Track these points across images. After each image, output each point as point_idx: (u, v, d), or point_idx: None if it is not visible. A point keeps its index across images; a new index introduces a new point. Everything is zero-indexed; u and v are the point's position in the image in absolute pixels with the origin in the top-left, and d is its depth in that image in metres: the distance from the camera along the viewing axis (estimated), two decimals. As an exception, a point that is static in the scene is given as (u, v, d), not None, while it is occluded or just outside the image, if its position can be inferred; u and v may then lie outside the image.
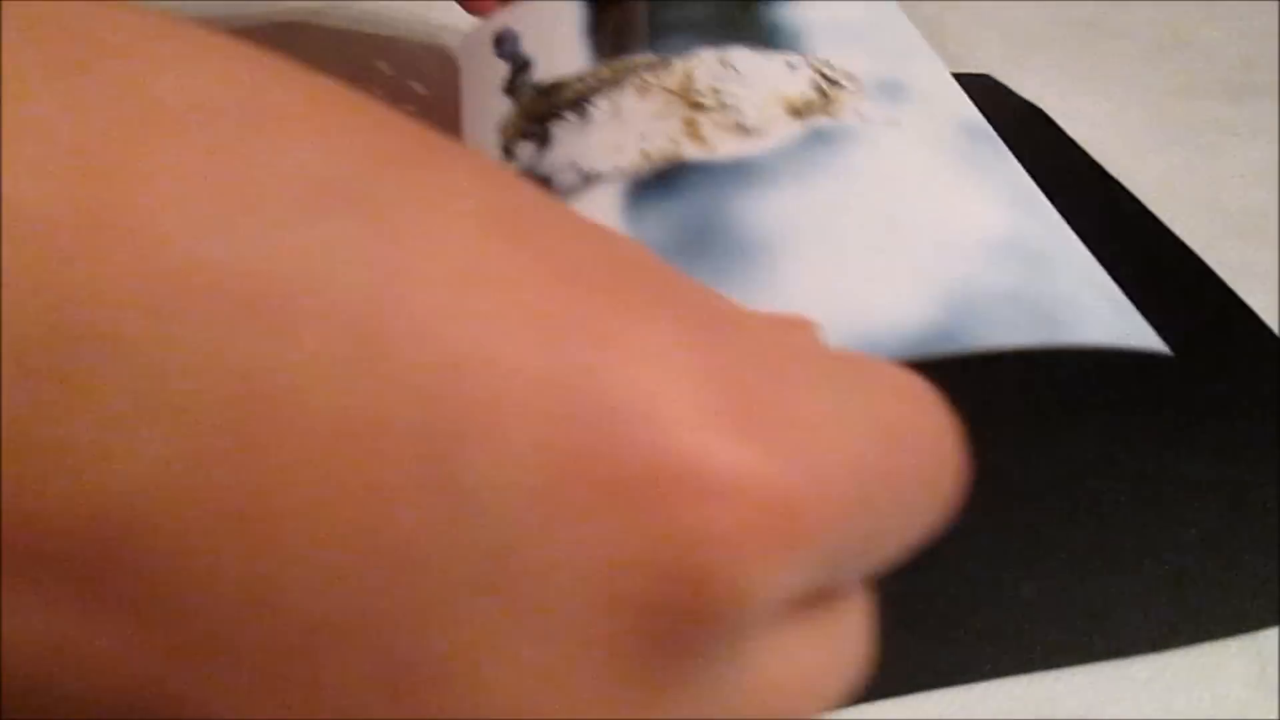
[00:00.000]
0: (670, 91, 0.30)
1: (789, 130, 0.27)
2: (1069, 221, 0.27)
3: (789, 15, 0.33)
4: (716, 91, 0.29)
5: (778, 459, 0.10)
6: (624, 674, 0.10)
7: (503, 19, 0.37)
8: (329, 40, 0.48)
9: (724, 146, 0.27)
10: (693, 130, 0.28)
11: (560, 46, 0.34)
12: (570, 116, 0.31)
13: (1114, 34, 0.52)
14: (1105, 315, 0.23)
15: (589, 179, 0.28)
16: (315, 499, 0.09)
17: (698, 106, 0.29)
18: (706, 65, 0.30)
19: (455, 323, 0.10)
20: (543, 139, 0.30)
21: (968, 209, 0.25)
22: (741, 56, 0.31)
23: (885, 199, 0.25)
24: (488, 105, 0.33)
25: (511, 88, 0.34)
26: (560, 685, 0.10)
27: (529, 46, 0.35)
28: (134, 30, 0.11)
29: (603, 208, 0.27)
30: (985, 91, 0.42)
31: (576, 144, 0.29)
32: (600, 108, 0.30)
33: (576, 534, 0.10)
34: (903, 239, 0.24)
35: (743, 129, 0.28)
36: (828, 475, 0.11)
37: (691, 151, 0.27)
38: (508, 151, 0.31)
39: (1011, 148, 0.33)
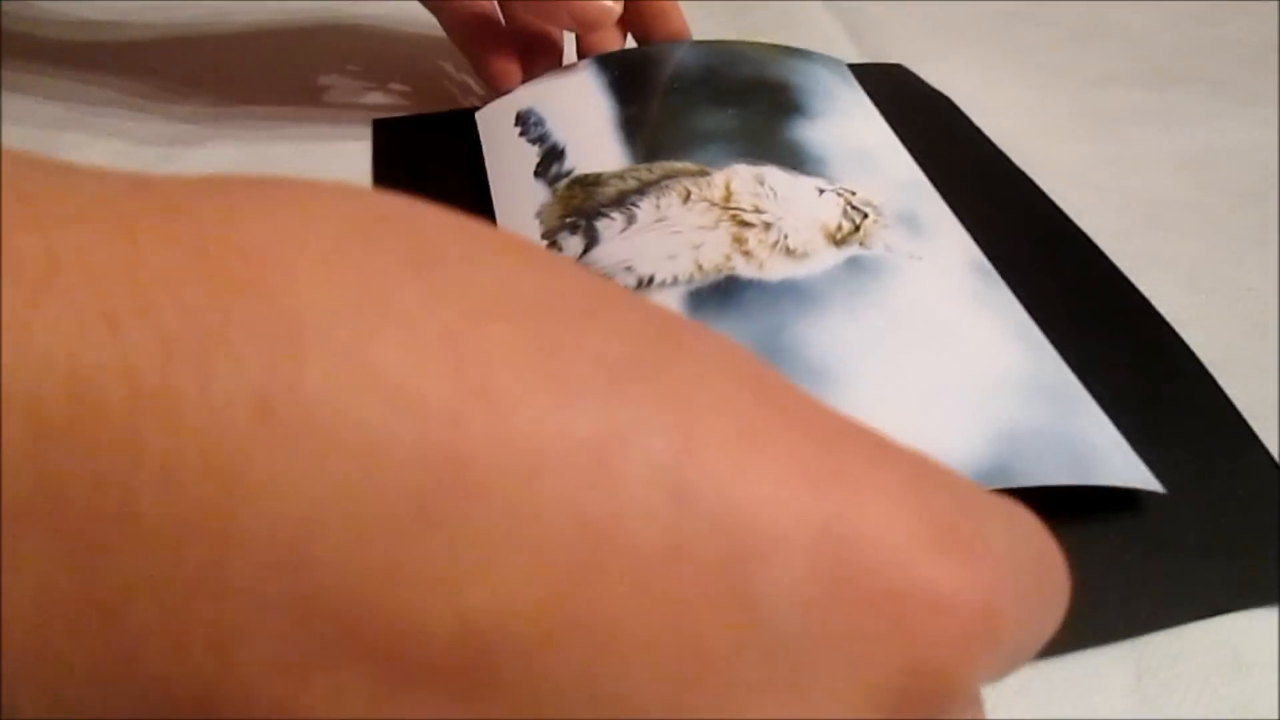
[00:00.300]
0: (713, 203, 0.32)
1: (830, 257, 0.30)
2: (970, 209, 0.32)
3: (810, 136, 0.35)
4: (759, 210, 0.32)
5: (981, 577, 0.13)
6: None
7: (524, 98, 0.38)
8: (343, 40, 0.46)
9: (774, 266, 0.30)
10: (742, 246, 0.30)
11: (595, 139, 0.35)
12: (615, 215, 0.32)
13: (1036, 22, 0.51)
14: (1115, 457, 0.26)
15: (645, 283, 0.30)
16: (641, 610, 0.12)
17: (744, 223, 0.31)
18: (744, 180, 0.33)
19: (743, 476, 0.13)
20: (590, 234, 0.32)
21: (992, 345, 0.28)
22: (776, 177, 0.33)
23: (925, 330, 0.28)
24: (519, 187, 0.35)
25: (543, 172, 0.35)
26: None
27: (558, 132, 0.36)
28: (459, 232, 0.13)
29: (661, 313, 0.29)
30: (896, 81, 0.44)
31: (627, 245, 0.31)
32: (644, 209, 0.32)
33: (843, 636, 0.13)
34: (947, 372, 0.27)
35: (789, 251, 0.30)
36: (1013, 589, 0.14)
37: (743, 267, 0.30)
38: (551, 241, 0.32)
39: (919, 139, 0.37)
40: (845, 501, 0.13)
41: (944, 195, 0.35)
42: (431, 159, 0.40)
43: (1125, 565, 0.25)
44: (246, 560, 0.11)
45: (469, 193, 0.37)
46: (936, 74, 0.45)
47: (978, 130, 0.41)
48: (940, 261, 0.31)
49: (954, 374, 0.27)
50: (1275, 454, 0.28)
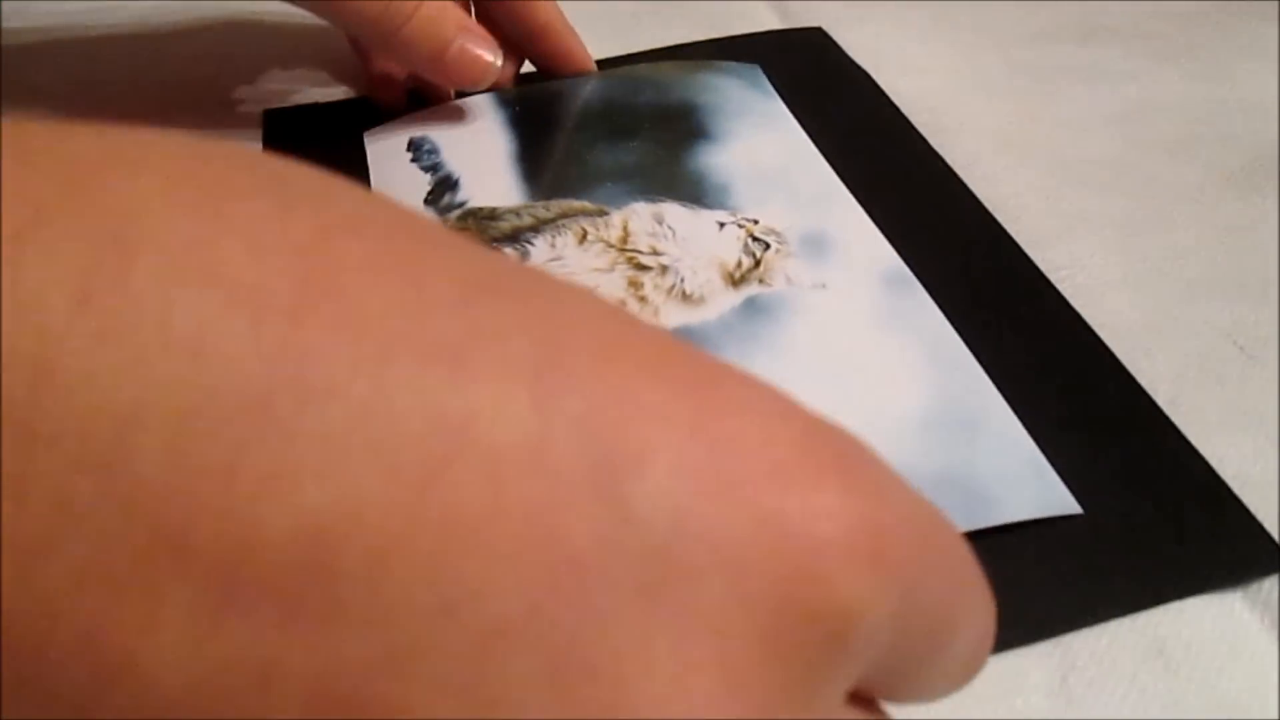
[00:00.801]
0: (610, 245, 0.31)
1: (728, 299, 0.29)
2: (887, 205, 0.31)
3: (713, 163, 0.34)
4: (656, 252, 0.31)
5: (864, 494, 0.13)
6: (754, 676, 0.12)
7: (417, 126, 0.37)
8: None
9: (668, 315, 0.29)
10: (637, 291, 0.30)
11: (491, 172, 0.34)
12: (507, 252, 0.31)
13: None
14: (1026, 487, 0.25)
15: (533, 327, 0.29)
16: (499, 512, 0.11)
17: (640, 266, 0.30)
18: (642, 220, 0.32)
19: (606, 380, 0.12)
20: (478, 272, 0.31)
21: (896, 378, 0.28)
22: (675, 214, 0.32)
23: (820, 375, 0.28)
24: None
25: (434, 200, 0.34)
26: (698, 682, 0.12)
27: (452, 163, 0.35)
28: (314, 172, 0.13)
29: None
30: (814, 52, 0.42)
31: (517, 286, 0.30)
32: (538, 248, 0.31)
33: (716, 542, 0.12)
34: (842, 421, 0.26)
35: (685, 296, 0.29)
36: (901, 520, 0.13)
37: (637, 315, 0.29)
38: (441, 279, 0.31)
39: (834, 125, 0.36)
40: (716, 409, 0.12)
41: (859, 191, 0.34)
42: (323, 150, 0.37)
43: (1049, 562, 0.24)
44: (55, 459, 0.10)
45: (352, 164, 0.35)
46: (861, 36, 0.44)
47: (895, 110, 0.39)
48: (847, 284, 0.30)
49: (847, 421, 0.26)
50: (1195, 440, 0.27)
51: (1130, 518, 0.25)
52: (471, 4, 0.39)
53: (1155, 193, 0.36)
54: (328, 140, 0.37)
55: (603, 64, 0.40)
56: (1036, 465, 0.26)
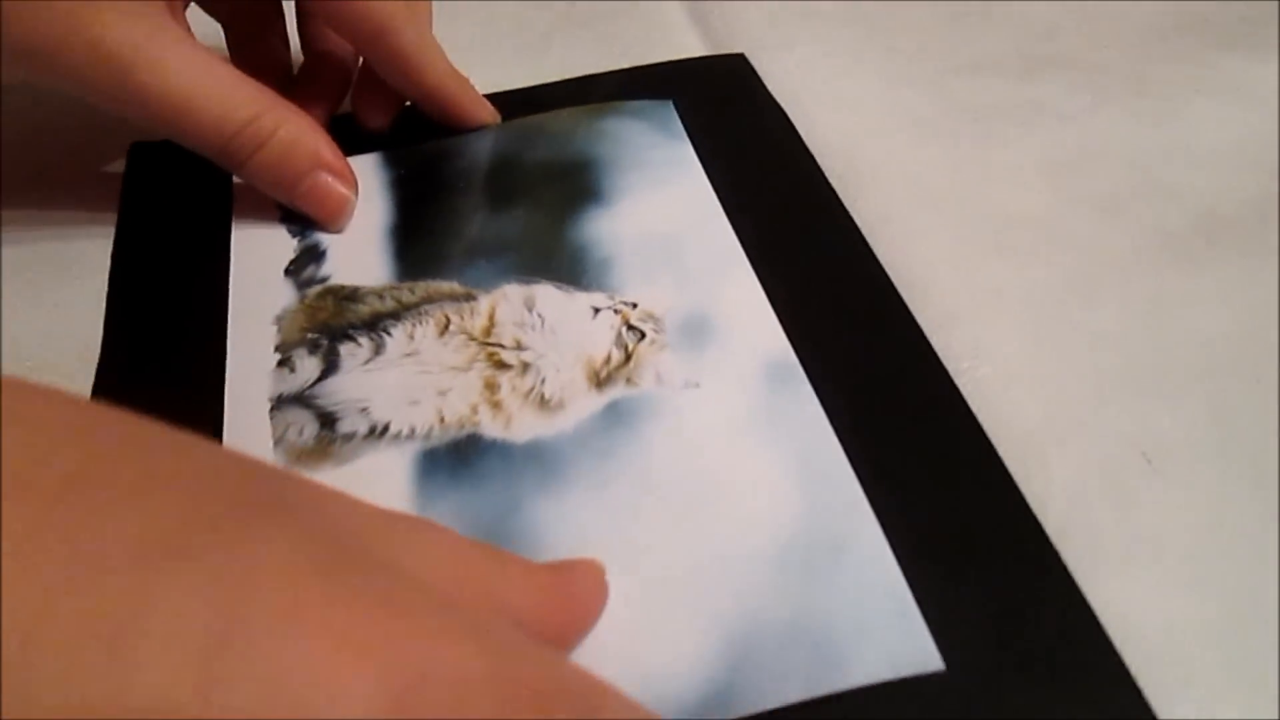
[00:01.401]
0: (471, 337, 0.29)
1: (588, 404, 0.27)
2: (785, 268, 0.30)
3: (599, 233, 0.32)
4: (520, 347, 0.29)
5: None
6: None
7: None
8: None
9: (522, 424, 0.27)
10: (492, 395, 0.27)
11: (360, 246, 0.32)
12: (363, 340, 0.29)
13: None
14: (887, 637, 0.23)
15: (378, 431, 0.27)
16: None
17: (500, 364, 0.28)
18: (511, 306, 0.30)
19: (286, 648, 0.13)
20: (330, 358, 0.29)
21: (760, 499, 0.26)
22: (548, 298, 0.30)
23: (677, 497, 0.26)
24: (265, 281, 0.31)
25: (295, 271, 0.31)
26: None
27: (321, 230, 0.33)
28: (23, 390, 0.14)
29: (392, 473, 0.26)
30: (732, 80, 0.39)
31: (367, 380, 0.28)
32: (395, 339, 0.29)
33: None
34: (692, 558, 0.24)
35: (543, 403, 0.27)
36: None
37: (489, 424, 0.27)
38: (285, 358, 0.29)
39: (744, 159, 0.34)
40: (400, 669, 0.13)
41: (758, 255, 0.32)
42: (185, 193, 0.34)
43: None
44: None
45: (215, 245, 0.33)
46: (785, 63, 0.40)
47: (809, 159, 0.36)
48: (722, 382, 0.28)
49: (696, 561, 0.24)
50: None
51: (996, 674, 0.23)
52: (358, 67, 0.37)
53: (1081, 260, 0.33)
54: (193, 180, 0.34)
55: (507, 97, 0.38)
56: (901, 606, 0.24)
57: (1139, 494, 0.27)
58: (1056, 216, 0.35)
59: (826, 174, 0.35)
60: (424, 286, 0.30)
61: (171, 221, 0.34)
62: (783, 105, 0.38)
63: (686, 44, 0.42)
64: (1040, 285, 0.32)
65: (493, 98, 0.37)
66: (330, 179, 0.32)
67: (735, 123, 0.37)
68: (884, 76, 0.41)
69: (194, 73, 0.29)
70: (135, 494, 0.13)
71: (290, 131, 0.31)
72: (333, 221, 0.32)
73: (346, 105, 0.37)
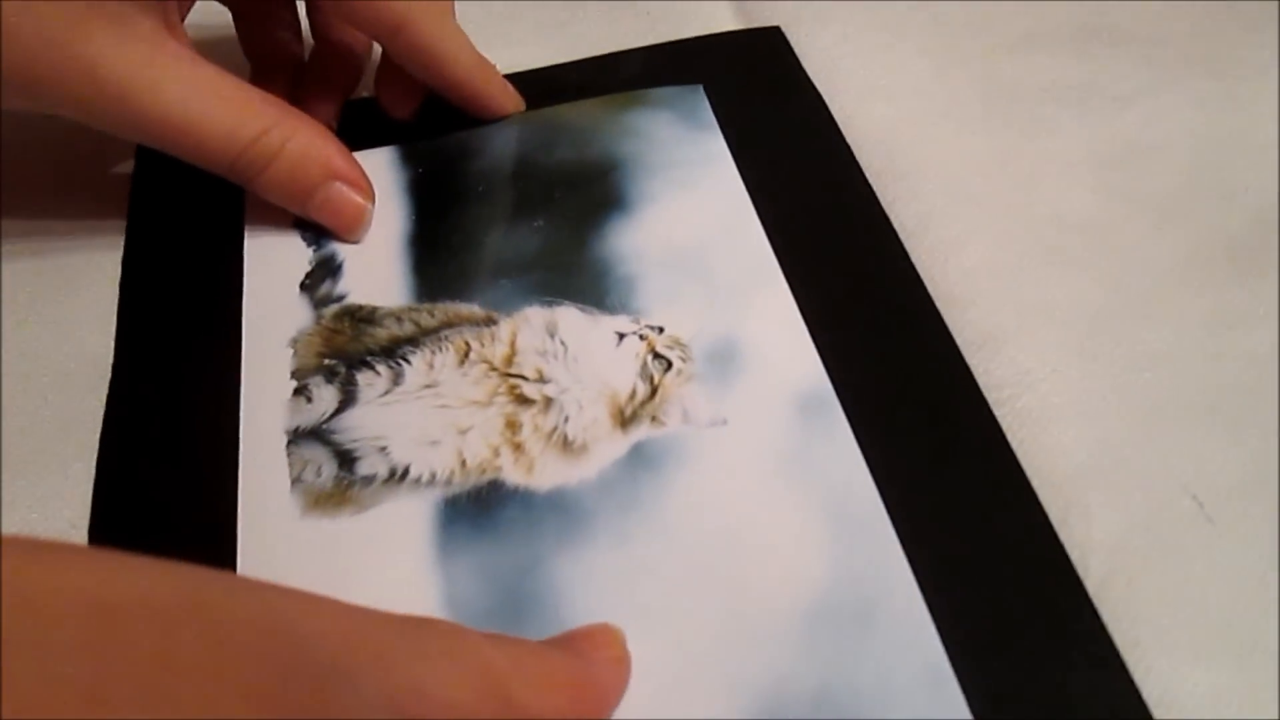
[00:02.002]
0: (492, 367, 0.28)
1: (612, 449, 0.26)
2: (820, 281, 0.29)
3: (623, 247, 0.31)
4: (541, 379, 0.27)
5: None
6: None
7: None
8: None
9: (544, 470, 0.26)
10: (514, 435, 0.26)
11: (378, 260, 0.31)
12: (381, 369, 0.28)
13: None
14: (919, 704, 0.23)
15: (399, 475, 0.26)
16: None
17: (522, 399, 0.27)
18: (533, 333, 0.28)
19: None
20: (347, 389, 0.28)
21: (789, 552, 0.24)
22: (571, 322, 0.29)
23: (702, 551, 0.25)
24: (279, 298, 0.30)
25: (311, 288, 0.30)
26: None
27: (337, 240, 0.32)
28: None
29: (413, 522, 0.25)
30: (766, 59, 0.37)
31: (386, 415, 0.27)
32: (414, 368, 0.28)
33: None
34: (717, 621, 0.24)
35: (566, 445, 0.26)
36: None
37: (510, 470, 0.26)
38: (302, 386, 0.28)
39: (779, 154, 0.33)
40: None
41: (790, 263, 0.30)
42: (196, 193, 0.33)
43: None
44: None
45: (226, 254, 0.31)
46: (823, 40, 0.38)
47: (847, 155, 0.34)
48: (751, 418, 0.27)
49: (721, 624, 0.24)
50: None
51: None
52: (372, 53, 0.35)
53: (1135, 271, 0.31)
54: (203, 183, 0.33)
55: (528, 78, 0.36)
56: (935, 672, 0.23)
57: (1187, 545, 0.26)
58: (1109, 219, 0.33)
59: (864, 169, 0.34)
60: (443, 309, 0.29)
61: (182, 227, 0.33)
62: (819, 86, 0.36)
63: (717, 15, 0.40)
64: (1088, 299, 0.31)
65: (512, 78, 0.35)
66: (345, 189, 0.30)
67: (769, 111, 0.35)
68: (928, 53, 0.38)
69: (195, 92, 0.27)
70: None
71: (299, 144, 0.29)
72: (349, 233, 0.31)
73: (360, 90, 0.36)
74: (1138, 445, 0.27)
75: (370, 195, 0.31)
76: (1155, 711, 0.23)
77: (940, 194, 0.33)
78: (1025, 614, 0.24)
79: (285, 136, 0.29)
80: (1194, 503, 0.26)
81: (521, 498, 0.25)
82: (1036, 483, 0.26)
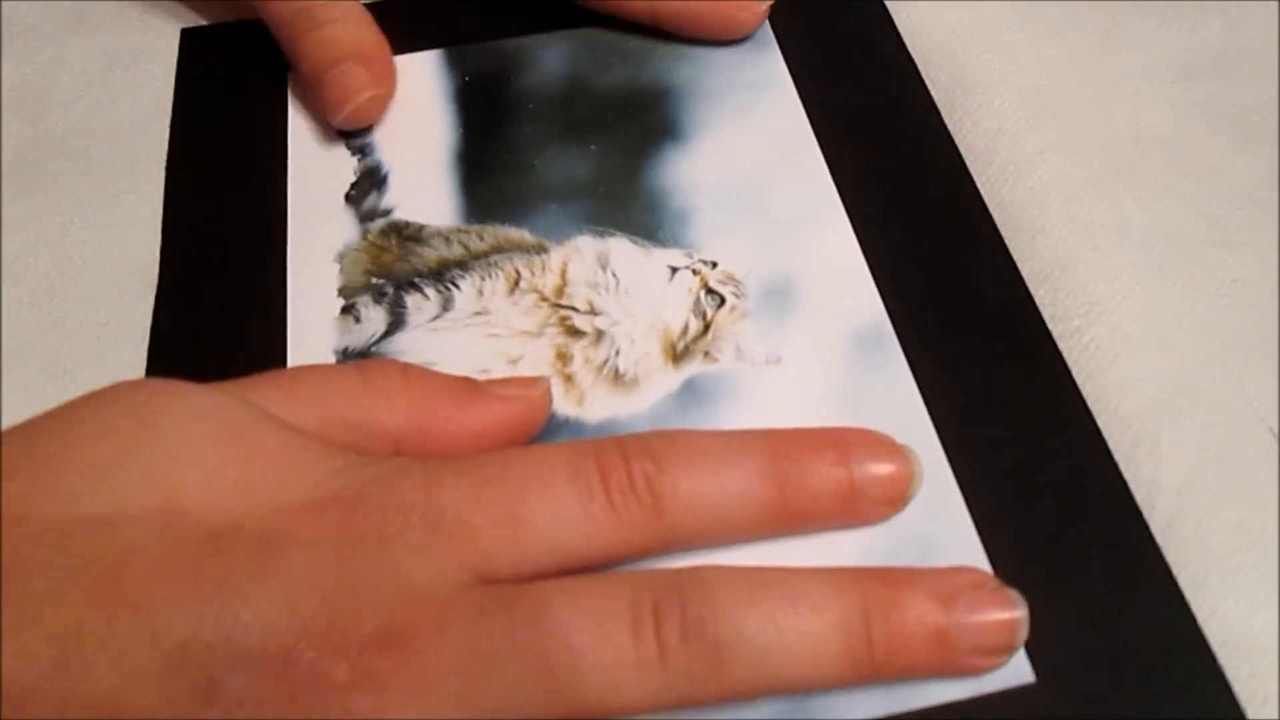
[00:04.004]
0: (543, 297, 0.28)
1: (664, 383, 0.26)
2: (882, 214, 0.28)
3: (677, 177, 0.30)
4: (593, 311, 0.27)
5: None
6: None
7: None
8: None
9: (595, 400, 0.26)
10: (565, 367, 0.26)
11: (425, 172, 0.30)
12: (430, 293, 0.28)
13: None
14: None
15: (448, 402, 0.26)
16: None
17: (572, 331, 0.27)
18: (585, 264, 0.28)
19: None
20: (396, 311, 0.28)
21: None
22: (623, 254, 0.28)
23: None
24: (325, 208, 0.30)
25: (357, 199, 0.30)
26: None
27: (383, 148, 0.31)
28: None
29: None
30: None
31: (435, 341, 0.27)
32: (464, 294, 0.28)
33: None
34: (770, 560, 0.24)
35: (617, 378, 0.26)
36: None
37: (561, 401, 0.26)
38: (349, 309, 0.28)
39: (841, 79, 0.32)
40: None
41: (849, 190, 0.30)
42: (241, 82, 0.33)
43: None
44: None
45: (272, 159, 0.31)
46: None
47: (912, 70, 0.32)
48: (806, 355, 0.27)
49: (775, 562, 0.24)
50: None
51: (1090, 687, 0.22)
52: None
53: (1212, 190, 0.30)
54: (249, 67, 0.32)
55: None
56: None
57: (1261, 480, 0.25)
58: (1186, 137, 0.31)
59: (930, 83, 0.32)
60: (493, 233, 0.29)
61: (226, 128, 0.32)
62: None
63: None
64: (1163, 222, 0.29)
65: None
66: (357, 70, 0.30)
67: (831, 23, 0.34)
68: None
69: None
70: None
71: (348, 21, 0.30)
72: (340, 108, 0.30)
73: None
74: (1212, 376, 0.26)
75: (381, 85, 0.31)
76: (1219, 652, 0.22)
77: (1009, 111, 0.32)
78: (1086, 557, 0.24)
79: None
80: (1271, 435, 0.25)
81: (572, 429, 0.25)
82: (1103, 419, 0.26)
